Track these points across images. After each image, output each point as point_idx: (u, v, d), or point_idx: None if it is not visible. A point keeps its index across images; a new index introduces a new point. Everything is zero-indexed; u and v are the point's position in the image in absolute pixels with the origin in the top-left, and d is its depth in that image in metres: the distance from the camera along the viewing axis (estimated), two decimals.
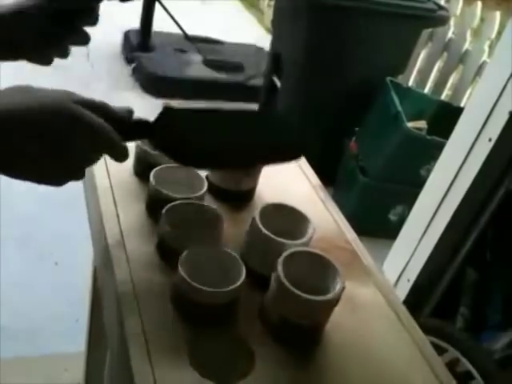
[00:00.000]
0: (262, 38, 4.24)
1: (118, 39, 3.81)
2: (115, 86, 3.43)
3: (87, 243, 1.02)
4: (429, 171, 1.97)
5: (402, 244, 1.98)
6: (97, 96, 0.67)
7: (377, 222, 2.61)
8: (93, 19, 0.82)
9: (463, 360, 1.62)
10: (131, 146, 0.96)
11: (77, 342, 1.50)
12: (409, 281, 1.92)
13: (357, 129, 2.77)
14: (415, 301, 1.87)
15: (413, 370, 0.78)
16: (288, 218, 0.83)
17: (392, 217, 2.66)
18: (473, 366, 1.59)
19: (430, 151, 2.33)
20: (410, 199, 2.03)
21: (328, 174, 1.65)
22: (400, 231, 2.00)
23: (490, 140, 1.65)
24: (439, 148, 1.86)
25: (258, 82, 3.32)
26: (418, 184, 1.97)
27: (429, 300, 1.91)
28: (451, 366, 1.58)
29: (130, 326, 0.72)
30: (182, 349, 0.70)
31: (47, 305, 2.00)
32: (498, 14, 2.85)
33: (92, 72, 3.49)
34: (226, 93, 3.44)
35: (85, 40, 0.82)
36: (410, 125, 2.48)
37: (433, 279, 1.89)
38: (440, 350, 1.63)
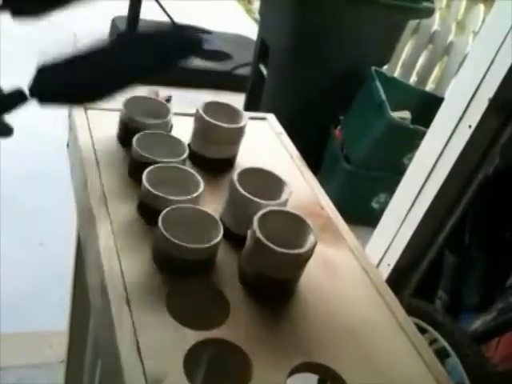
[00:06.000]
0: (249, 28, 4.26)
1: (106, 26, 3.81)
2: None
3: (71, 223, 1.04)
4: (411, 160, 2.00)
5: (383, 229, 2.01)
6: None
7: (360, 209, 2.63)
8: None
9: (439, 338, 1.64)
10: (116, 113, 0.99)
11: (62, 320, 1.51)
12: (389, 265, 1.95)
13: (342, 117, 2.79)
14: (395, 285, 1.88)
15: (380, 323, 0.81)
16: (265, 181, 0.86)
17: (375, 204, 2.70)
18: (449, 343, 1.62)
19: (413, 140, 2.35)
20: (392, 187, 2.04)
21: (314, 161, 1.67)
22: None
23: (469, 127, 1.68)
24: (422, 137, 1.87)
25: (246, 71, 3.35)
26: (401, 172, 1.98)
27: (408, 284, 1.95)
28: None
29: (112, 279, 0.74)
30: (161, 299, 0.73)
31: (32, 282, 2.01)
32: (482, 7, 2.89)
33: None
34: (213, 81, 3.46)
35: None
36: (394, 114, 2.51)
37: (412, 264, 1.93)
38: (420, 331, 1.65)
